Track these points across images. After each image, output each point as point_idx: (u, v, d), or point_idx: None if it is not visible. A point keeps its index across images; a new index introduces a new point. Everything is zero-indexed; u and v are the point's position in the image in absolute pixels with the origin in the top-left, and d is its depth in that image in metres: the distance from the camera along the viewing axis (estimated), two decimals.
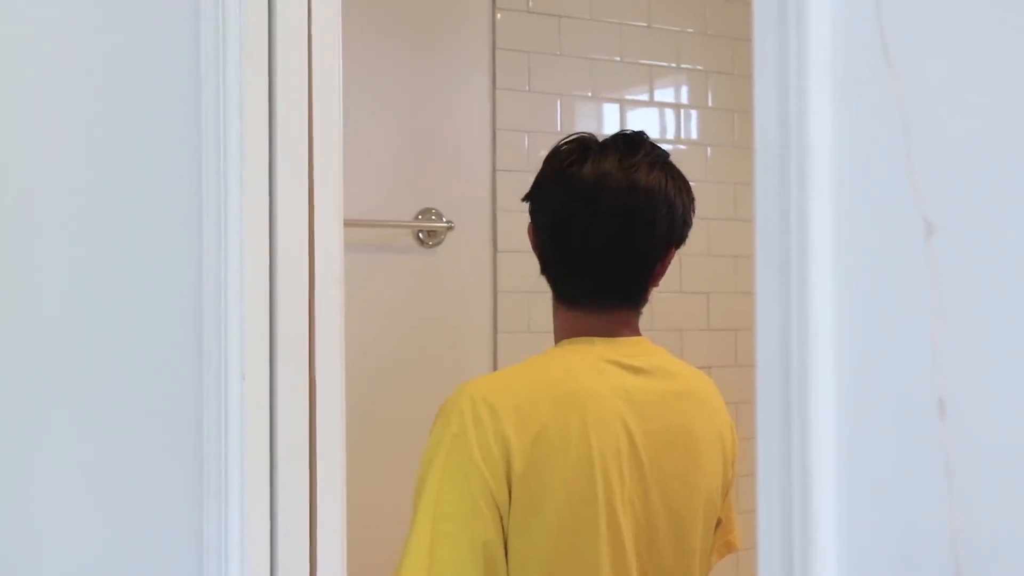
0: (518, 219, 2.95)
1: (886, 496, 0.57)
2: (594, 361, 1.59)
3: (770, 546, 0.61)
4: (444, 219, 2.89)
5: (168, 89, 1.34)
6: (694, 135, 3.27)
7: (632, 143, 1.64)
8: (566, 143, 1.67)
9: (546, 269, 1.68)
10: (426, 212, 2.88)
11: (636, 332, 1.66)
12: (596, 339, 1.62)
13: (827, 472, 0.59)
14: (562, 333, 1.66)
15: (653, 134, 1.84)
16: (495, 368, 2.92)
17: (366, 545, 2.13)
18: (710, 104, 3.28)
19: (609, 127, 3.11)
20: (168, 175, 1.34)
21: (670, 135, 3.22)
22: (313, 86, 1.27)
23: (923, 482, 0.55)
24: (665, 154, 1.66)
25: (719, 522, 1.70)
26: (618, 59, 3.13)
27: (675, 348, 2.94)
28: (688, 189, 1.66)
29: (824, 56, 0.61)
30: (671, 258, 1.67)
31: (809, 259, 0.61)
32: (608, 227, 1.60)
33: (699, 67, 3.26)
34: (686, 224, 1.66)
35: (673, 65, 3.23)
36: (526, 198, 1.70)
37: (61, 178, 1.37)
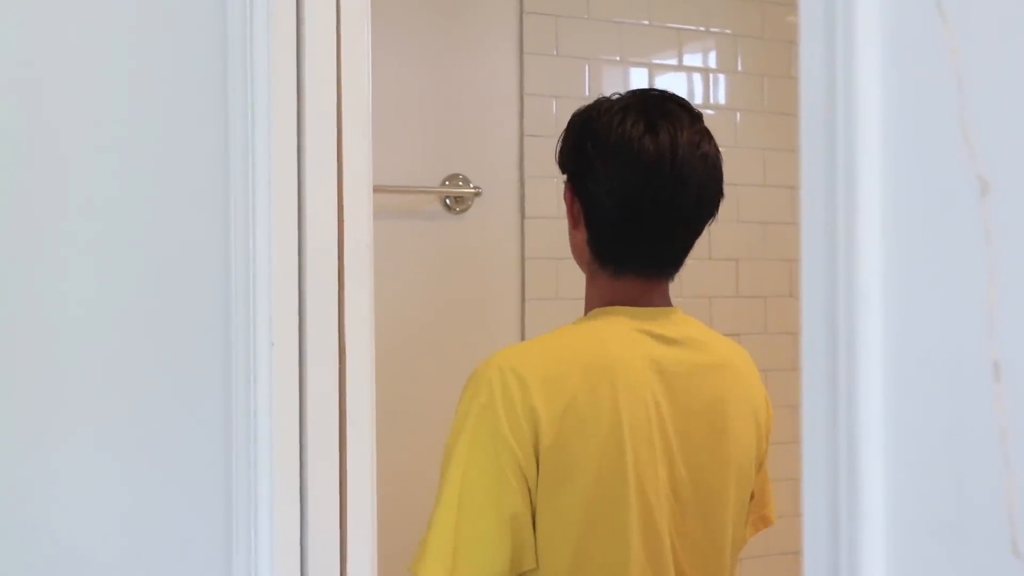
0: (546, 185, 2.94)
1: (937, 463, 0.55)
2: (626, 331, 1.57)
3: (815, 516, 0.60)
4: (471, 185, 2.88)
5: (194, 52, 1.33)
6: (723, 100, 3.24)
7: (685, 107, 1.62)
8: (612, 106, 1.60)
9: (597, 236, 1.62)
10: (453, 178, 2.87)
11: (668, 301, 1.64)
12: (628, 308, 1.60)
13: (875, 439, 0.58)
14: (594, 302, 1.64)
15: None
16: (523, 336, 2.91)
17: (394, 512, 2.14)
18: (739, 68, 3.25)
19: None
20: (193, 141, 1.33)
21: (698, 100, 3.19)
22: (341, 50, 1.26)
23: (976, 448, 0.53)
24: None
25: (752, 495, 1.69)
26: (646, 23, 3.10)
27: (704, 316, 2.93)
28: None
29: (872, 10, 0.59)
30: None
31: (856, 221, 0.59)
32: (680, 198, 1.57)
33: (728, 31, 3.23)
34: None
35: (702, 29, 3.20)
36: (573, 165, 1.64)
37: (83, 147, 1.37)
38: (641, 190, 1.55)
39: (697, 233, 1.63)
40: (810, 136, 0.62)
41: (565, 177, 1.67)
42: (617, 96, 1.64)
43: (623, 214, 1.57)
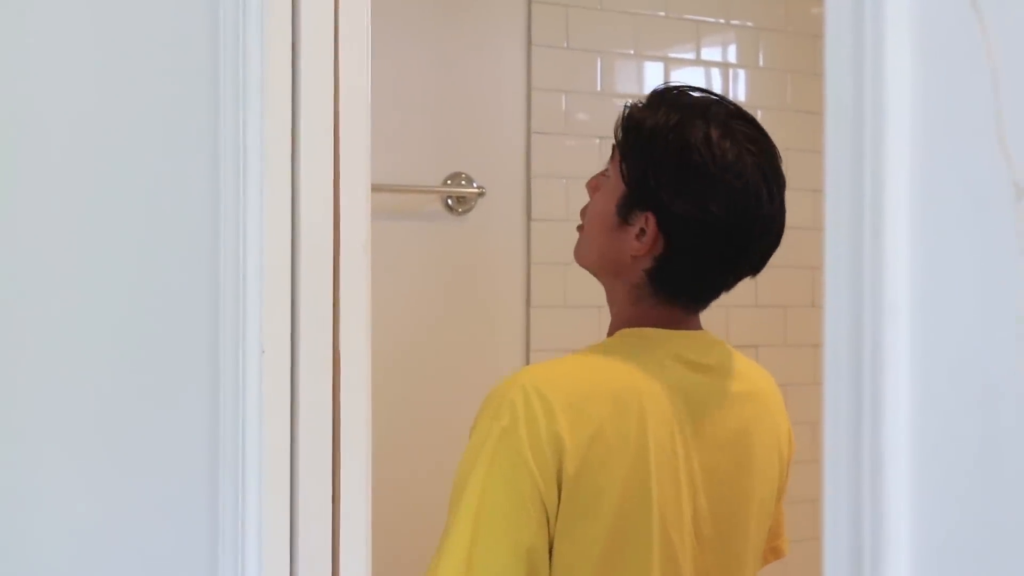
0: (554, 185, 2.94)
1: (968, 487, 0.55)
2: (658, 356, 1.56)
3: (836, 542, 0.60)
4: (475, 184, 2.88)
5: (183, 43, 1.33)
6: (743, 97, 3.24)
7: (744, 115, 1.67)
8: (692, 116, 1.63)
9: (676, 262, 1.57)
10: (455, 177, 2.87)
11: (699, 323, 1.64)
12: (659, 331, 1.59)
13: (901, 459, 0.58)
14: (624, 321, 1.62)
15: None
16: (527, 346, 2.91)
17: (390, 531, 2.14)
18: (761, 64, 3.25)
19: (651, 87, 3.08)
20: (181, 134, 1.33)
21: None
22: (339, 41, 1.26)
23: (1011, 471, 0.53)
24: None
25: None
26: (662, 14, 3.11)
27: (720, 327, 2.92)
28: None
29: (903, 4, 0.60)
30: None
31: (884, 227, 0.60)
32: (775, 233, 1.64)
33: (749, 24, 3.23)
34: None
35: (722, 21, 3.20)
36: (663, 181, 1.57)
37: (67, 145, 1.37)
38: (751, 222, 1.59)
39: None
40: (836, 138, 0.62)
41: (627, 191, 1.60)
42: (662, 99, 1.69)
43: (716, 244, 1.57)
